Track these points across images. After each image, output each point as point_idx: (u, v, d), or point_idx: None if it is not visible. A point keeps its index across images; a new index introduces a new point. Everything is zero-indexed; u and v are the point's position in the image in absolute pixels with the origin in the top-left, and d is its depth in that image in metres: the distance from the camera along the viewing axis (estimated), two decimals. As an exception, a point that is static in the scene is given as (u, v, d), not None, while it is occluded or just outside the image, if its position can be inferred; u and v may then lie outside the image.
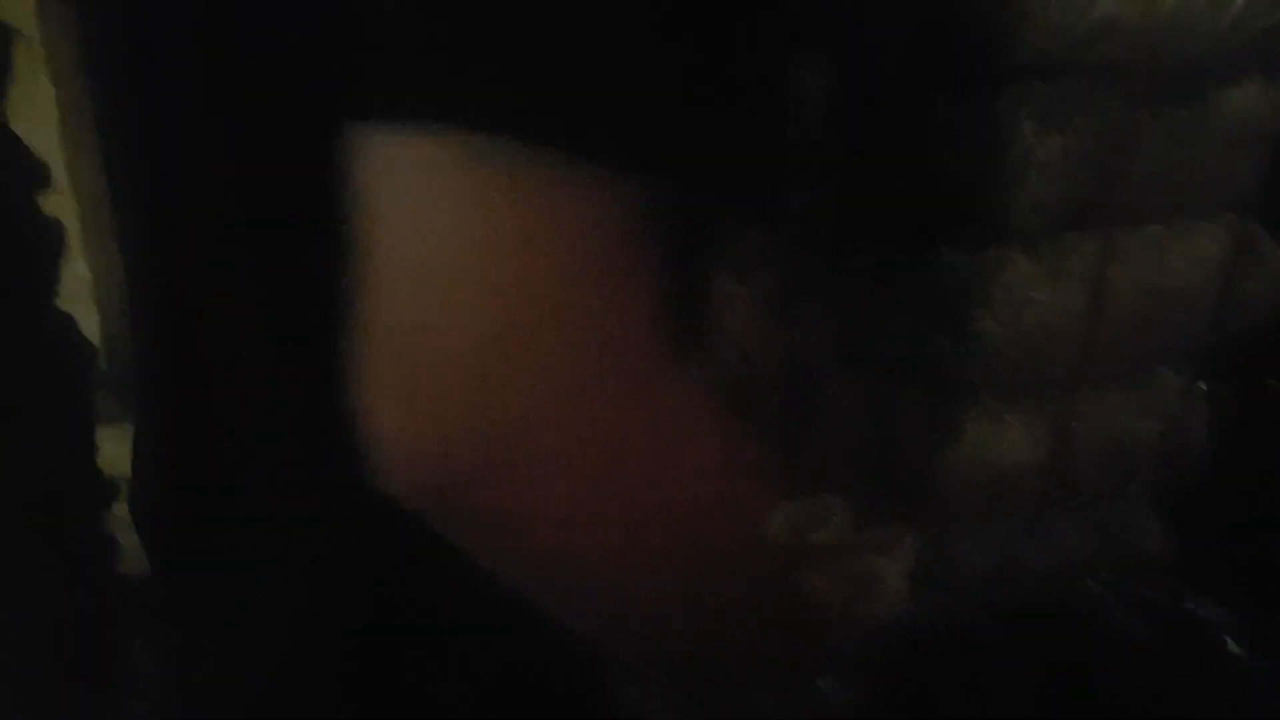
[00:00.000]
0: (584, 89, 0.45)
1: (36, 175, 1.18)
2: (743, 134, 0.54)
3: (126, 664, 1.22)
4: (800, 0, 0.51)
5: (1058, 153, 0.54)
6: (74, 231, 1.24)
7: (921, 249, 0.63)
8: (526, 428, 0.48)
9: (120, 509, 1.25)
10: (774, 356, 0.86)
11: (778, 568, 0.64)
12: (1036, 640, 1.26)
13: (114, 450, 1.27)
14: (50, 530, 1.24)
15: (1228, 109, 0.56)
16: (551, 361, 0.48)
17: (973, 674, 1.26)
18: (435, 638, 0.62)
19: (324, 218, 0.47)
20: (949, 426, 0.63)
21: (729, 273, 0.92)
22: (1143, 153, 0.56)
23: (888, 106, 0.59)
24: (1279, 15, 0.55)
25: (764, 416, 0.85)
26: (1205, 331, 0.61)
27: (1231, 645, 1.31)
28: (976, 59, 0.55)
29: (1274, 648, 1.26)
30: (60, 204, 1.25)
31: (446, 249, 0.45)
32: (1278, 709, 1.22)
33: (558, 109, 0.45)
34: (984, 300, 0.59)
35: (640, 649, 0.67)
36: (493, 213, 0.45)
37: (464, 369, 0.46)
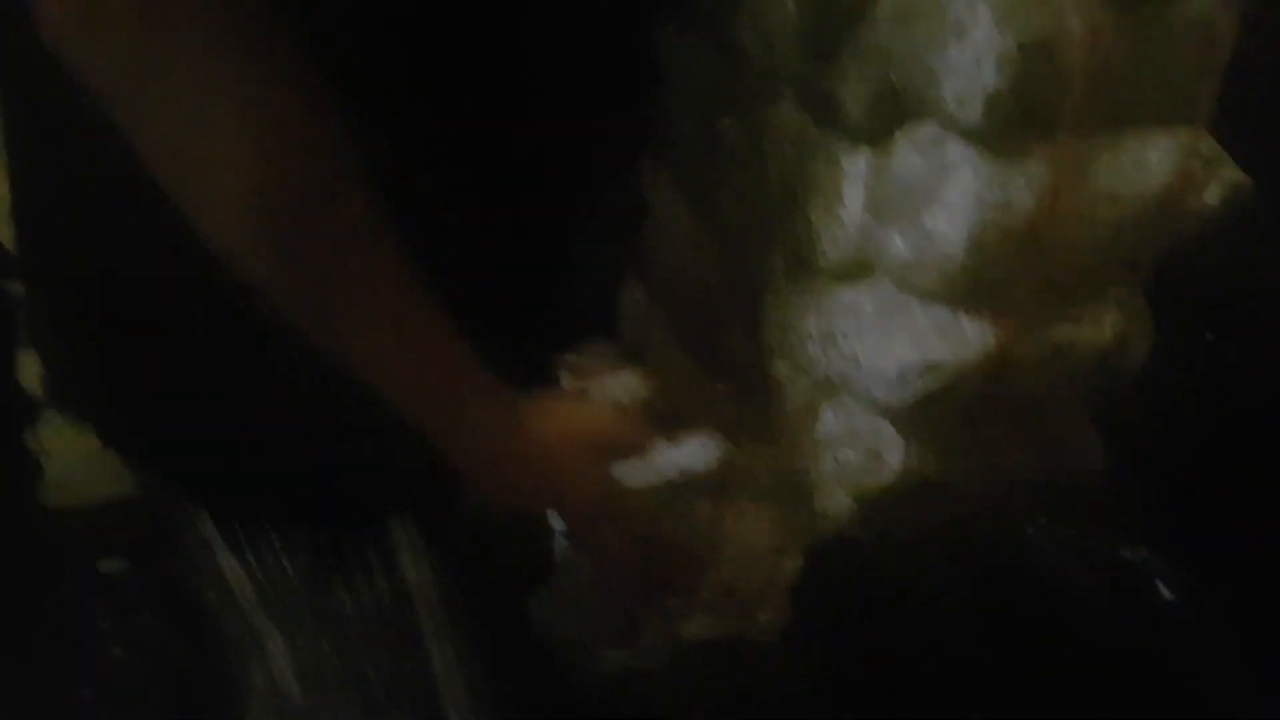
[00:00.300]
0: None
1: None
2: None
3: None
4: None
5: (1013, 48, 0.53)
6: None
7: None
8: None
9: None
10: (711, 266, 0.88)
11: None
12: (974, 584, 1.28)
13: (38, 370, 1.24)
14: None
15: (1189, 12, 0.56)
16: None
17: (910, 614, 1.28)
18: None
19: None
20: (891, 327, 0.62)
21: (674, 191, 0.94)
22: (1100, 54, 0.55)
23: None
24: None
25: (701, 328, 0.85)
26: (1154, 244, 0.61)
27: (1163, 590, 1.35)
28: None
29: (1206, 593, 1.29)
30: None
31: None
32: (1207, 654, 1.26)
33: None
34: (937, 199, 0.58)
35: None
36: None
37: None
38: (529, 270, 0.75)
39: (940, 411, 0.65)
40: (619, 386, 0.76)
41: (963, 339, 0.61)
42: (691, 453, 0.76)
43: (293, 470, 0.65)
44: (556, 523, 1.35)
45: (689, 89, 0.87)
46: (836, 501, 0.77)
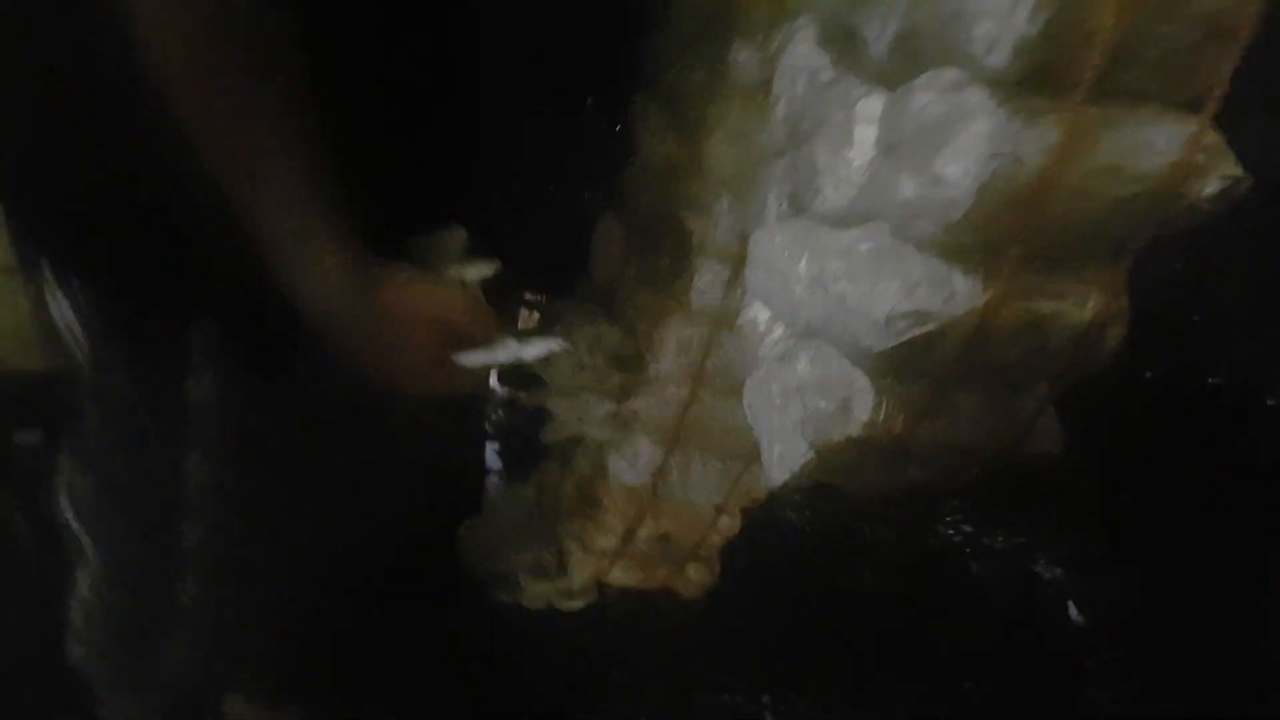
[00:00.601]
0: None
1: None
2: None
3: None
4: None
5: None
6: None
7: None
8: None
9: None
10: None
11: None
12: (895, 575, 1.30)
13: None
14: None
15: (1212, 2, 0.57)
16: None
17: (831, 593, 1.29)
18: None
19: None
20: (884, 272, 0.62)
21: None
22: (1127, 22, 0.55)
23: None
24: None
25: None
26: (1145, 229, 0.62)
27: (1073, 611, 1.38)
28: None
29: (1115, 616, 1.33)
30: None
31: None
32: (1106, 674, 1.30)
33: None
34: (949, 145, 0.58)
35: None
36: None
37: None
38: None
39: (916, 366, 0.66)
40: (472, 272, 0.77)
41: (953, 293, 0.61)
42: (532, 348, 0.78)
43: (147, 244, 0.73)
44: (492, 459, 1.34)
45: (691, 25, 0.86)
46: (786, 462, 0.76)
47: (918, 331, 0.61)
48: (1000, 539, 1.33)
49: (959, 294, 0.61)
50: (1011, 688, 1.20)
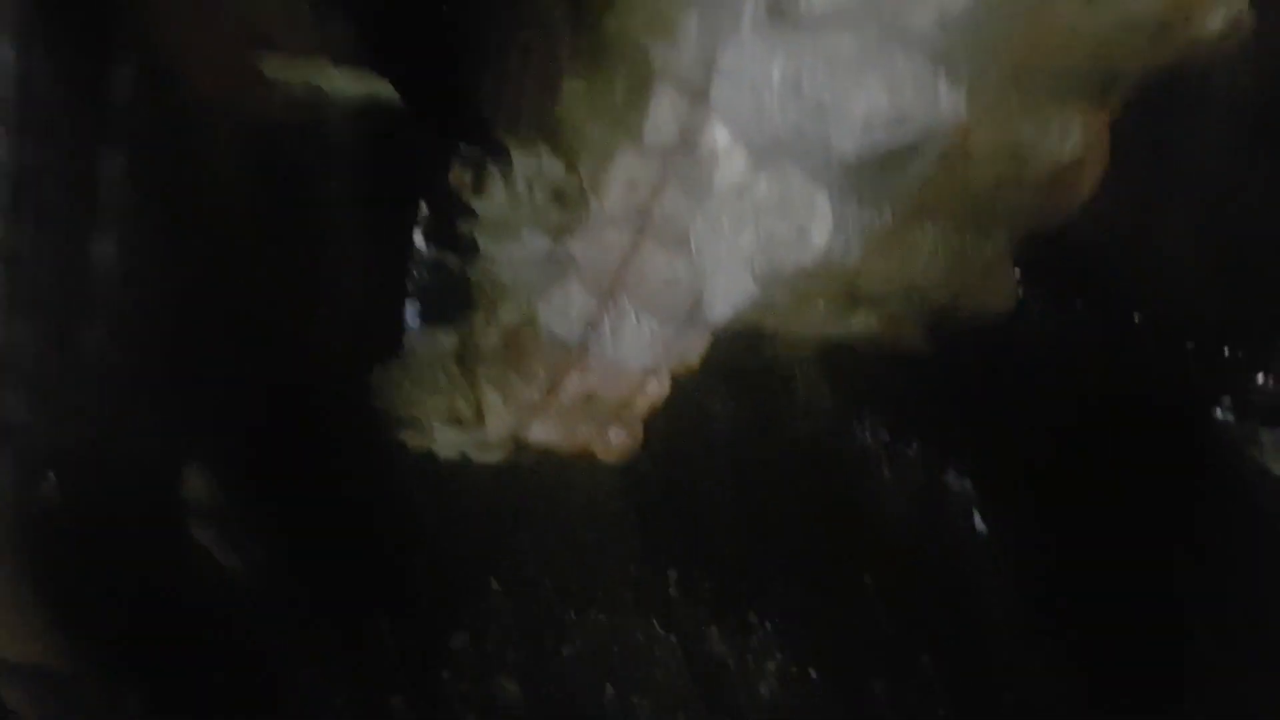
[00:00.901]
0: None
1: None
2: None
3: None
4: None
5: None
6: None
7: None
8: None
9: None
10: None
11: None
12: (804, 468, 1.29)
13: None
14: None
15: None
16: None
17: (747, 483, 1.27)
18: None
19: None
20: (868, 73, 0.58)
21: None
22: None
23: None
24: None
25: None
26: (1142, 56, 0.59)
27: (978, 522, 1.40)
28: None
29: (1020, 528, 1.35)
30: None
31: None
32: (1009, 586, 1.31)
33: None
34: None
35: None
36: None
37: None
38: None
39: (884, 187, 0.62)
40: None
41: (936, 101, 0.57)
42: (351, 83, 0.76)
43: None
44: (411, 314, 1.27)
45: None
46: (729, 297, 0.72)
47: (896, 139, 0.57)
48: (914, 446, 1.33)
49: (943, 103, 0.57)
50: (910, 589, 1.21)
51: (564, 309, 0.93)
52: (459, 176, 0.95)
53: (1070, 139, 0.62)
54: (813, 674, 1.09)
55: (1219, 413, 1.07)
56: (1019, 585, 1.27)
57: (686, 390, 1.04)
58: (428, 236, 1.22)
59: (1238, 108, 0.79)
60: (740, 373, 1.15)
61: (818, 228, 0.65)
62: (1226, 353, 1.05)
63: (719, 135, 0.73)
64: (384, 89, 0.74)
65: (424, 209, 1.14)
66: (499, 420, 0.95)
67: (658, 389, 1.00)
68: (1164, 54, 0.59)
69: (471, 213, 0.91)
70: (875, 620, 1.18)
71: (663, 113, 0.82)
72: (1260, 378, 1.02)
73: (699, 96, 0.76)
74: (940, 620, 1.21)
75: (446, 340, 1.00)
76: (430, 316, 1.08)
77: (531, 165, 0.89)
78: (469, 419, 0.96)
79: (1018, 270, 0.73)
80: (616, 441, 1.01)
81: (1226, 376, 1.04)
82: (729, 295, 0.70)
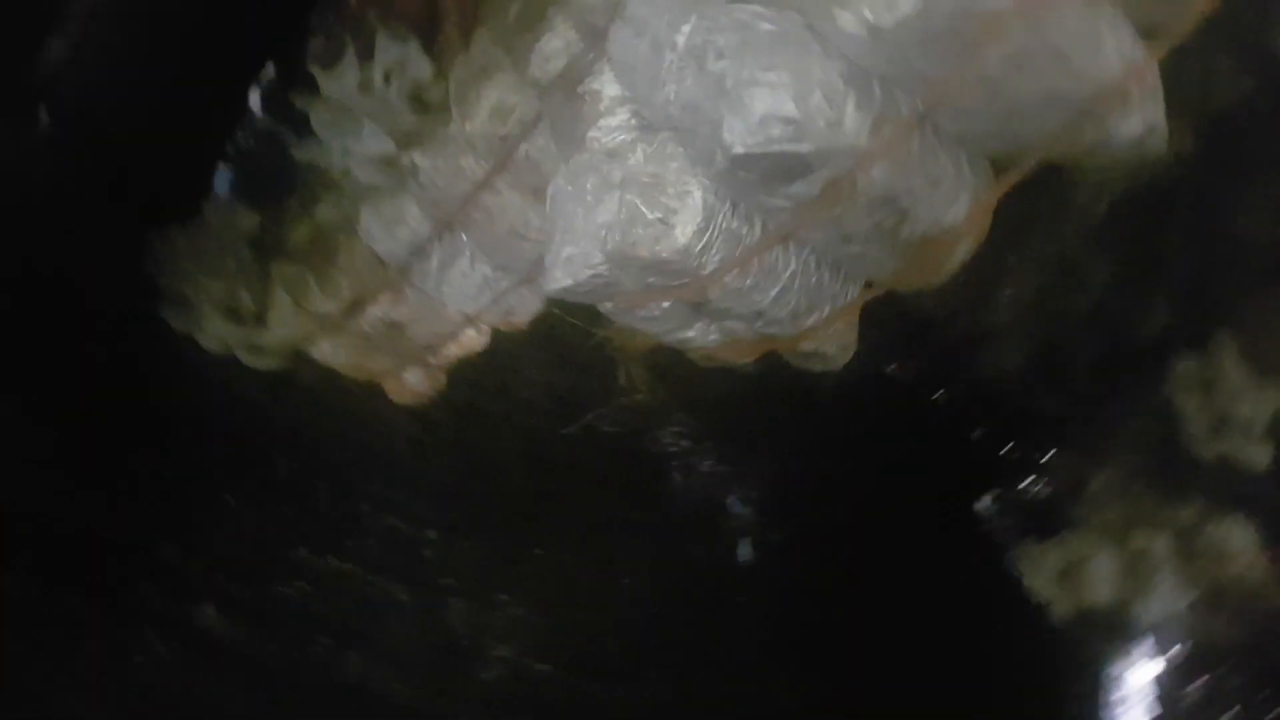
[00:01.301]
0: None
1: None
2: None
3: None
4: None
5: None
6: None
7: None
8: None
9: None
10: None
11: None
12: (600, 455, 1.25)
13: None
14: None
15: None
16: None
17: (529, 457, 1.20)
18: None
19: None
20: (779, 60, 0.52)
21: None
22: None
23: None
24: None
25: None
26: (1052, 134, 0.56)
27: (744, 549, 1.40)
28: None
29: (780, 567, 1.35)
30: None
31: None
32: (757, 618, 1.31)
33: None
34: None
35: None
36: None
37: None
38: None
39: (762, 197, 0.56)
40: None
41: (841, 120, 0.52)
42: None
43: None
44: (221, 180, 1.13)
45: None
46: (572, 267, 0.65)
47: (789, 146, 0.51)
48: (709, 463, 1.31)
49: (848, 123, 0.52)
50: (660, 600, 1.20)
51: (391, 225, 0.83)
52: (316, 45, 0.83)
53: (956, 208, 0.58)
54: (538, 668, 1.04)
55: (985, 503, 1.08)
56: (765, 619, 1.28)
57: (505, 349, 0.97)
58: (265, 101, 1.08)
59: (1092, 210, 0.79)
60: (567, 346, 1.09)
61: (683, 221, 0.58)
62: (1006, 449, 1.06)
63: (607, 86, 0.65)
64: None
65: (270, 70, 1.01)
66: (283, 325, 0.84)
67: (474, 340, 0.92)
68: (1071, 145, 0.56)
69: (316, 88, 0.79)
70: (621, 622, 1.16)
71: (554, 43, 0.73)
72: (1030, 480, 1.04)
73: (595, 37, 0.68)
74: (682, 635, 1.20)
75: (248, 220, 0.88)
76: (240, 190, 0.95)
77: (395, 55, 0.78)
78: (249, 315, 0.84)
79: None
80: (412, 383, 0.92)
81: (1001, 472, 1.06)
82: (571, 264, 0.63)
